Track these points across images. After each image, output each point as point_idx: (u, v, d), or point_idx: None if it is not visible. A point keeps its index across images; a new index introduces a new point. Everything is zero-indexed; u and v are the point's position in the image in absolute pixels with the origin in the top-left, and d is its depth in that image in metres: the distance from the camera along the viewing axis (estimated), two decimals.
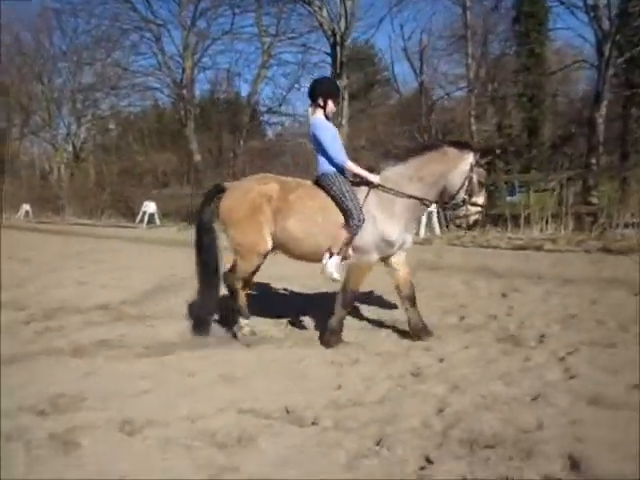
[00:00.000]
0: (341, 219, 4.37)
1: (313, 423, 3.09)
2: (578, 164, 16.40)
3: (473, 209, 4.51)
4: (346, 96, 15.11)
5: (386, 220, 4.38)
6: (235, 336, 4.80)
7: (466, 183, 4.40)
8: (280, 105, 23.50)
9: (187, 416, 3.17)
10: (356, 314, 5.34)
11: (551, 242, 8.76)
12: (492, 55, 25.50)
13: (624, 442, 2.67)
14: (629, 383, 3.39)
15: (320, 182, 4.58)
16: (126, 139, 31.43)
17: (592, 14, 12.34)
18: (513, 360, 3.93)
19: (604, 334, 4.40)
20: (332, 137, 4.54)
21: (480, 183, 4.47)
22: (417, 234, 10.60)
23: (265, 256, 4.70)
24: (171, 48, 25.27)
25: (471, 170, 4.39)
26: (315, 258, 4.59)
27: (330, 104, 4.59)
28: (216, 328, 5.00)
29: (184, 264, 9.49)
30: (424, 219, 11.38)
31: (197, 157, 22.26)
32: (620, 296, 5.56)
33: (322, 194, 4.51)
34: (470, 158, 4.41)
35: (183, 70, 23.86)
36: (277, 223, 4.50)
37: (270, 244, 4.61)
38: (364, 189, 4.47)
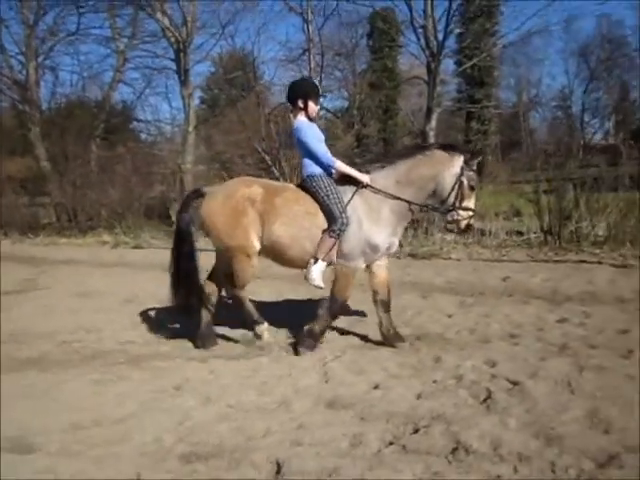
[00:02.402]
0: (326, 224, 4.22)
1: (38, 450, 2.92)
2: None
3: (464, 214, 4.35)
4: (192, 104, 14.99)
5: (373, 225, 4.25)
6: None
7: (456, 187, 4.27)
8: (134, 109, 22.68)
9: None
10: (135, 328, 5.24)
11: None
12: (359, 69, 26.69)
13: (336, 440, 2.81)
14: (371, 383, 3.59)
15: (305, 184, 4.40)
16: None
17: (421, 32, 13.21)
18: (278, 368, 4.01)
19: (374, 336, 4.63)
20: (317, 139, 4.39)
21: (471, 187, 4.33)
22: None
23: (255, 258, 4.43)
24: (12, 46, 23.37)
25: (461, 173, 4.26)
26: (302, 264, 4.39)
27: (311, 105, 4.42)
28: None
29: None
30: None
31: (44, 164, 20.79)
32: (409, 299, 5.91)
33: (308, 198, 4.34)
34: (460, 161, 4.28)
35: (27, 71, 22.22)
36: (263, 226, 4.29)
37: (258, 245, 4.37)
38: (349, 191, 4.31)
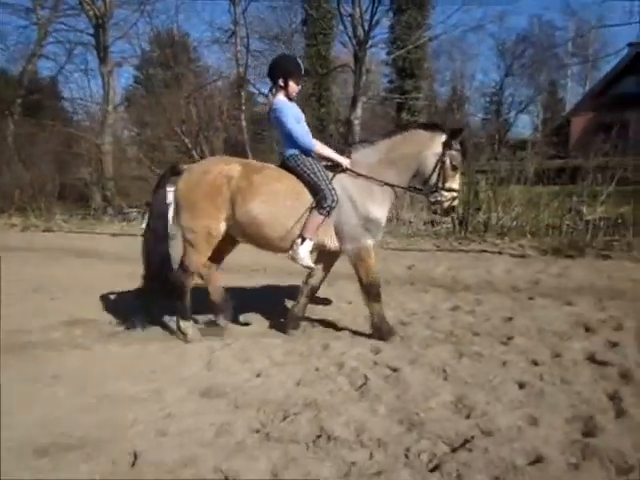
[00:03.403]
0: (312, 202, 4.04)
1: None
2: None
3: (447, 194, 4.18)
4: (112, 82, 14.40)
5: (367, 200, 4.11)
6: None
7: (438, 166, 4.11)
8: (56, 85, 21.67)
9: None
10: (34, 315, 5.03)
11: None
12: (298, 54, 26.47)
13: (202, 429, 2.78)
14: (255, 371, 3.59)
15: (288, 164, 4.21)
16: None
17: (349, 21, 13.25)
18: (164, 357, 3.95)
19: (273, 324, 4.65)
20: (295, 119, 4.20)
21: (453, 166, 4.13)
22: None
23: (215, 244, 4.25)
24: None
25: (443, 152, 4.10)
26: (283, 246, 4.17)
27: (291, 84, 4.22)
28: None
29: None
30: None
31: None
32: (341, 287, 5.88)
33: (291, 176, 4.16)
34: (441, 139, 4.11)
35: None
36: (237, 206, 4.06)
37: (223, 229, 4.19)
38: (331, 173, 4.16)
